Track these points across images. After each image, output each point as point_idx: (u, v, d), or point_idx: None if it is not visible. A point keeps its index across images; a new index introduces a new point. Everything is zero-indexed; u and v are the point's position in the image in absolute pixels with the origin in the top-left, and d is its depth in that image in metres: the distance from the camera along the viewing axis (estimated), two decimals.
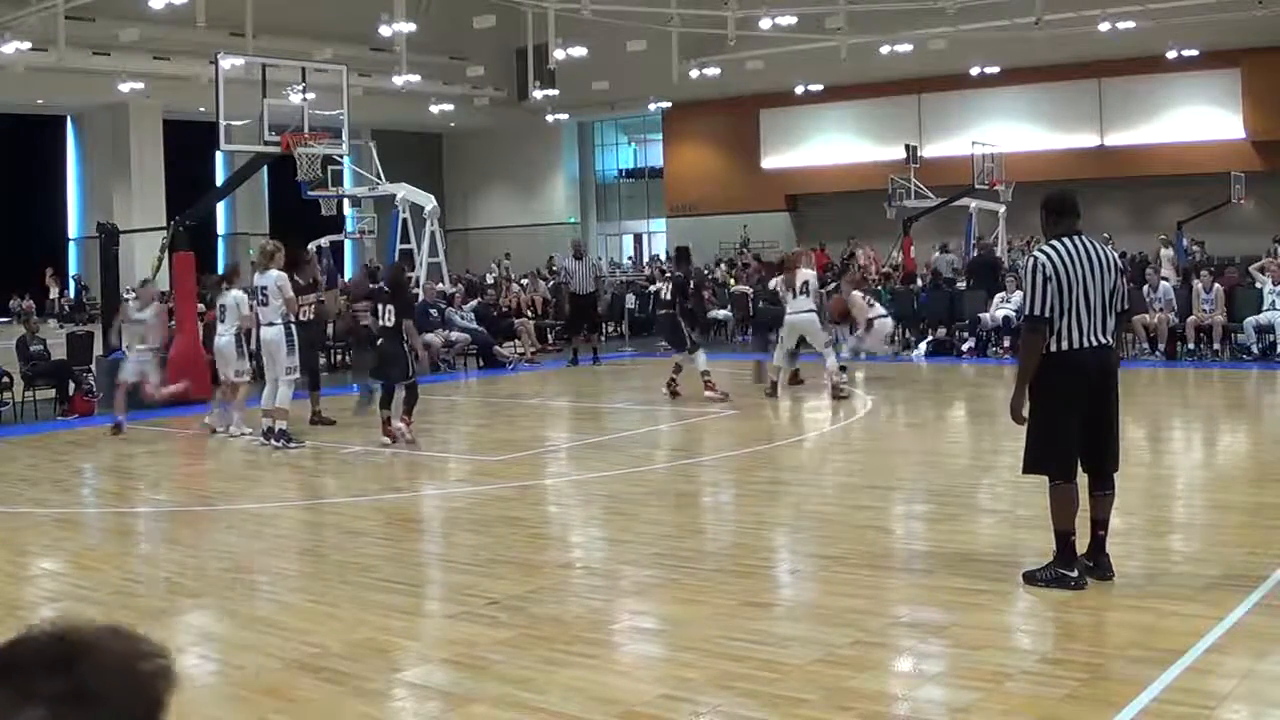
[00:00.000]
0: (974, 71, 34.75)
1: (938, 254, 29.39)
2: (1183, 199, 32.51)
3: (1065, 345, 5.90)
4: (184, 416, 14.23)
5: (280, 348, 11.69)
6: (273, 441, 11.50)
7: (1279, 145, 32.10)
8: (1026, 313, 6.05)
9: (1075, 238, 6.00)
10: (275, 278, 11.76)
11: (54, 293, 36.98)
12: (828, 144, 39.98)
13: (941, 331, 19.96)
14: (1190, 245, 30.73)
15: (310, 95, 15.77)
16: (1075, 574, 5.92)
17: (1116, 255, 6.18)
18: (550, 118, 41.69)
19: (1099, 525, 6.07)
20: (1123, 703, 4.43)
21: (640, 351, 17.55)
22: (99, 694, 1.24)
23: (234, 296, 12.34)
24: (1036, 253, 6.08)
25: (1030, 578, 6.03)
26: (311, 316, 12.91)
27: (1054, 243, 5.99)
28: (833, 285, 17.09)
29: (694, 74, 35.57)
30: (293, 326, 11.76)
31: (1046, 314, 5.89)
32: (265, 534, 8.29)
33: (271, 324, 11.74)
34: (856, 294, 16.48)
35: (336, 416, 13.13)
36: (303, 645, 5.43)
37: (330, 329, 19.32)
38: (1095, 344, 5.92)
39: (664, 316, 15.08)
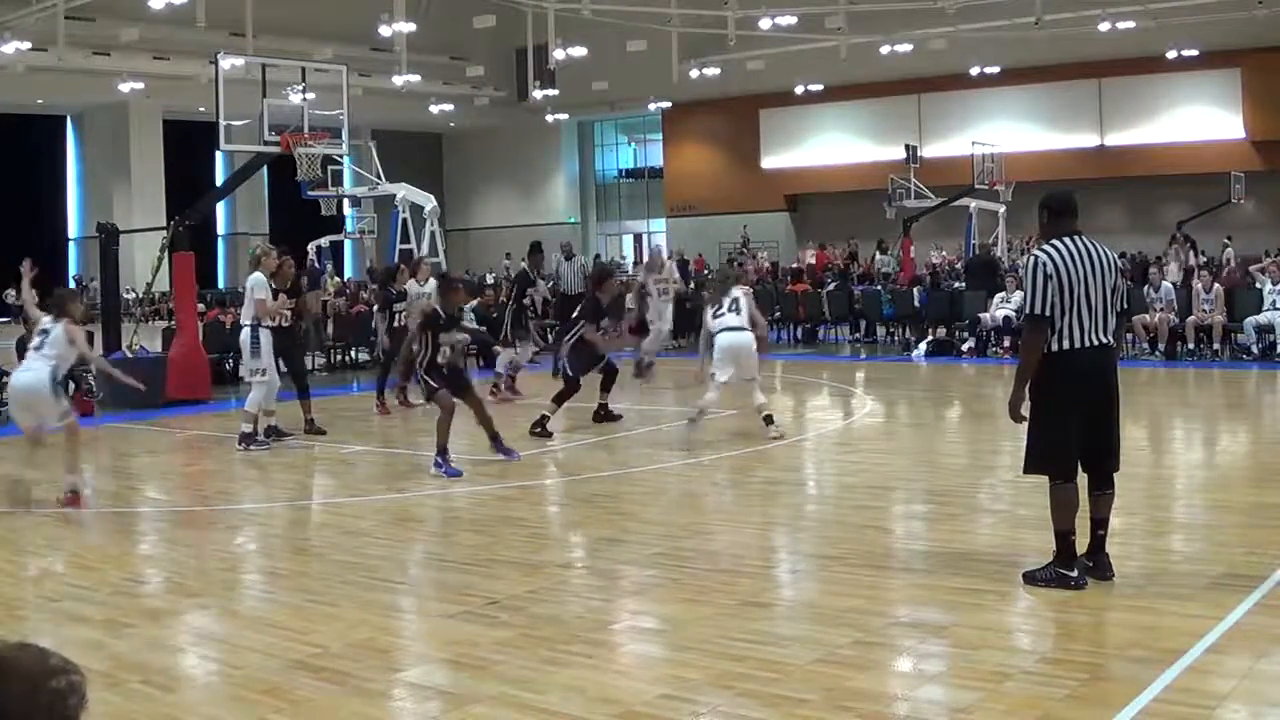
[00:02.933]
0: (974, 71, 34.78)
1: (877, 255, 29.50)
2: (1183, 199, 32.53)
3: (1066, 345, 5.89)
4: (184, 416, 14.23)
5: (245, 349, 11.79)
6: (237, 444, 11.54)
7: (1279, 145, 32.12)
8: (1027, 312, 6.03)
9: (1075, 237, 5.99)
10: (252, 280, 11.83)
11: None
12: (828, 144, 40.01)
13: (941, 331, 19.97)
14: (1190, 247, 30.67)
15: (310, 95, 15.78)
16: (1075, 574, 5.92)
17: (1114, 258, 6.15)
18: (550, 118, 41.71)
19: (1099, 525, 6.06)
20: (1123, 703, 4.43)
21: (639, 351, 17.60)
22: (10, 714, 1.26)
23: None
24: (1037, 252, 6.06)
25: (1030, 578, 6.03)
26: (288, 323, 12.68)
27: (1055, 242, 5.98)
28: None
29: (694, 74, 35.59)
30: (260, 330, 11.66)
31: (1047, 313, 5.88)
32: (265, 534, 8.29)
33: (242, 325, 11.86)
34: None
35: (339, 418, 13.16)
36: (303, 645, 5.43)
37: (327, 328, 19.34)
38: (1096, 344, 5.91)
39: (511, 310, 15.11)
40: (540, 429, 11.71)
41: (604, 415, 12.67)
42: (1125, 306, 6.22)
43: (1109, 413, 6.04)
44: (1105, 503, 6.08)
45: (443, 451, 9.88)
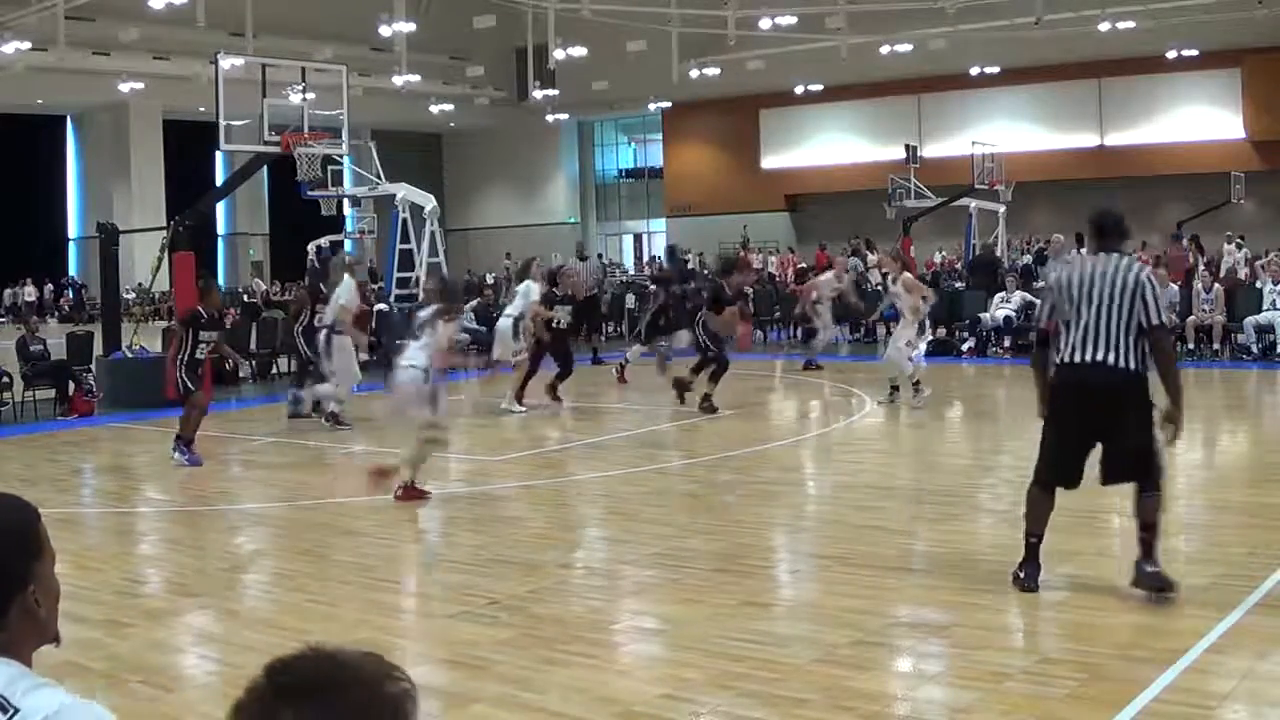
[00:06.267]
0: (974, 71, 34.74)
1: (853, 256, 29.47)
2: (1183, 199, 32.49)
3: (1065, 359, 5.92)
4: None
5: (321, 348, 13.00)
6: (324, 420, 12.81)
7: (1279, 145, 32.10)
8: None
9: (1102, 255, 5.94)
10: (343, 286, 12.92)
11: (33, 296, 37.02)
12: (828, 144, 39.97)
13: (941, 331, 19.95)
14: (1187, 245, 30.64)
15: (310, 95, 15.77)
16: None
17: (1135, 275, 5.85)
18: (550, 118, 41.67)
19: (1140, 529, 5.84)
20: (1123, 703, 4.43)
21: (641, 351, 17.67)
22: (363, 712, 1.40)
23: (524, 286, 13.92)
24: (1058, 265, 6.18)
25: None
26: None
27: (1077, 257, 6.05)
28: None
29: (694, 74, 35.55)
30: (330, 334, 12.77)
31: (1041, 324, 6.12)
32: (265, 534, 8.29)
33: (320, 327, 13.09)
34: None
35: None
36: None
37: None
38: (1089, 361, 5.81)
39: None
40: (708, 405, 12.93)
41: (704, 403, 13.17)
42: (1153, 322, 5.82)
43: (1118, 431, 5.83)
44: (1145, 507, 5.85)
45: (189, 442, 10.76)
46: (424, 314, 9.07)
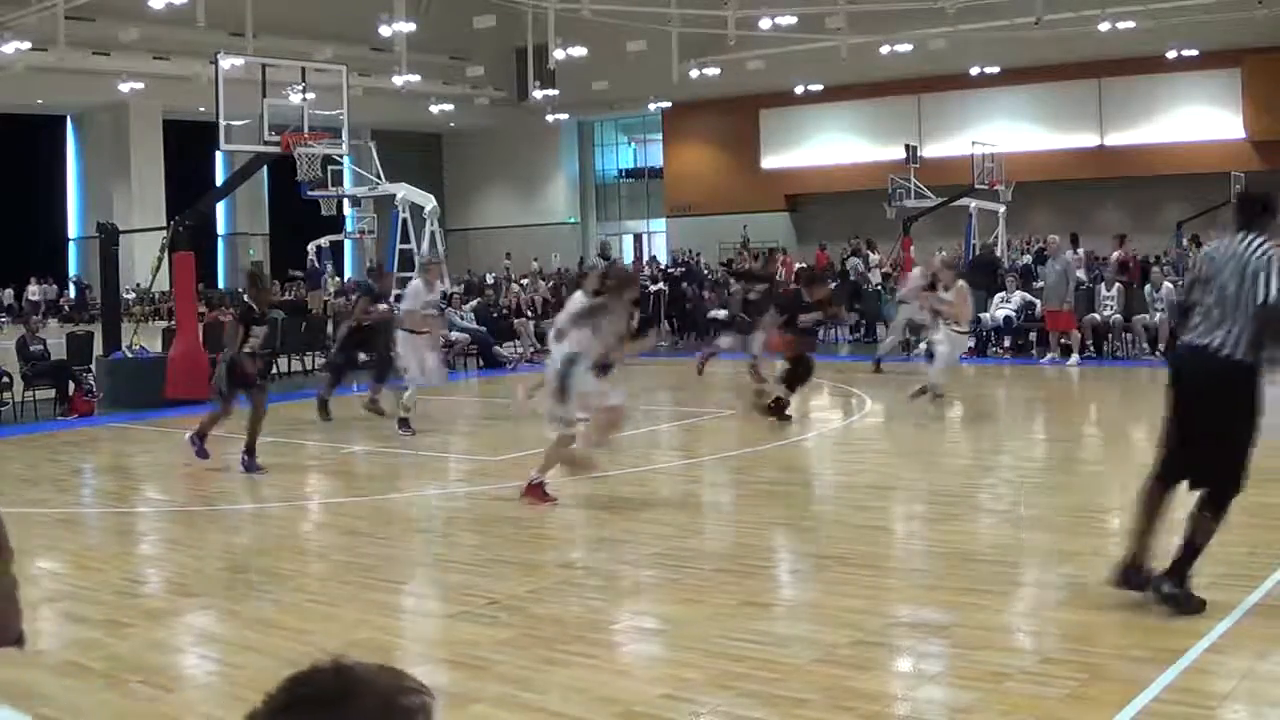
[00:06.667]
0: (974, 71, 34.75)
1: (853, 256, 29.49)
2: (1183, 199, 32.51)
3: (1180, 339, 5.71)
4: (184, 416, 14.22)
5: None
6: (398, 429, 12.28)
7: (1279, 145, 32.11)
8: None
9: (1236, 236, 5.53)
10: (412, 286, 12.90)
11: (36, 295, 37.00)
12: (828, 144, 39.97)
13: None
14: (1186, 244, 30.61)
15: (310, 95, 15.78)
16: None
17: (1258, 256, 5.36)
18: (550, 118, 41.68)
19: (1183, 542, 5.52)
20: (1123, 703, 4.43)
21: (641, 351, 17.66)
22: None
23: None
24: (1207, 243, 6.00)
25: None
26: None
27: (1223, 238, 5.65)
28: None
29: (694, 74, 35.56)
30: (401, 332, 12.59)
31: (1183, 299, 5.90)
32: (265, 534, 8.29)
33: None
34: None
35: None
36: (303, 645, 5.42)
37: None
38: (1196, 345, 5.47)
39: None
40: (777, 411, 12.17)
41: (777, 409, 12.47)
42: (1262, 299, 5.26)
43: (1194, 420, 5.50)
44: (1194, 522, 5.51)
45: (201, 435, 10.51)
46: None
